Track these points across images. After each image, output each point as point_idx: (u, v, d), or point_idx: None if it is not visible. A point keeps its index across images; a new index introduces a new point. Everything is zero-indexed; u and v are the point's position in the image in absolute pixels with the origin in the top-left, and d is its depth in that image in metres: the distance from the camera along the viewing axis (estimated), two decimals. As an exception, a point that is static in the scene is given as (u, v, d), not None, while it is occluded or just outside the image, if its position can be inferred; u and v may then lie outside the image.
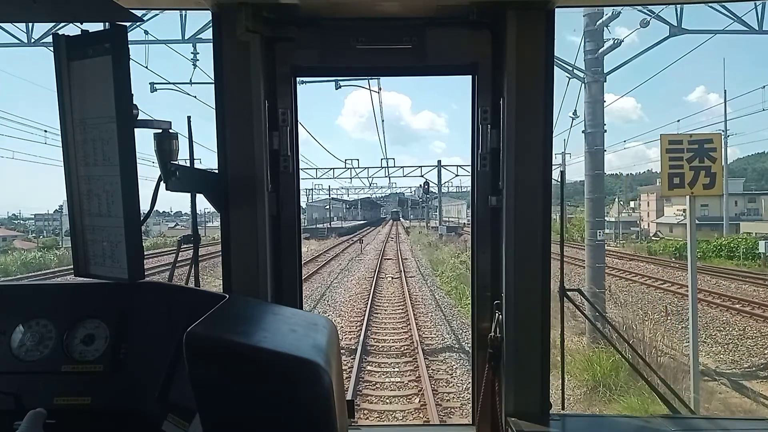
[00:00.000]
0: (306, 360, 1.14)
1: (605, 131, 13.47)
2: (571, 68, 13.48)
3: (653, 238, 50.37)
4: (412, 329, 13.07)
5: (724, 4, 14.25)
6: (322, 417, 1.13)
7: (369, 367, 10.49)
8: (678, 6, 12.39)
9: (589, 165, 13.48)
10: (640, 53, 13.61)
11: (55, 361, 1.55)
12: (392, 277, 23.05)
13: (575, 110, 16.17)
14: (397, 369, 10.41)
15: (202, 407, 1.14)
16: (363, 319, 14.28)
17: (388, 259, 31.44)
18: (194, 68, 16.01)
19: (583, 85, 13.43)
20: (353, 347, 11.60)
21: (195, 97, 17.68)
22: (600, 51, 12.94)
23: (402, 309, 16.00)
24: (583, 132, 13.56)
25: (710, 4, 10.59)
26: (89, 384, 1.52)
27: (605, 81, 13.28)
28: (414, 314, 14.89)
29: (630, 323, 11.76)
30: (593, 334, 12.14)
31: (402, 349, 11.83)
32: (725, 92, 49.52)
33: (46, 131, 27.32)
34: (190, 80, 17.09)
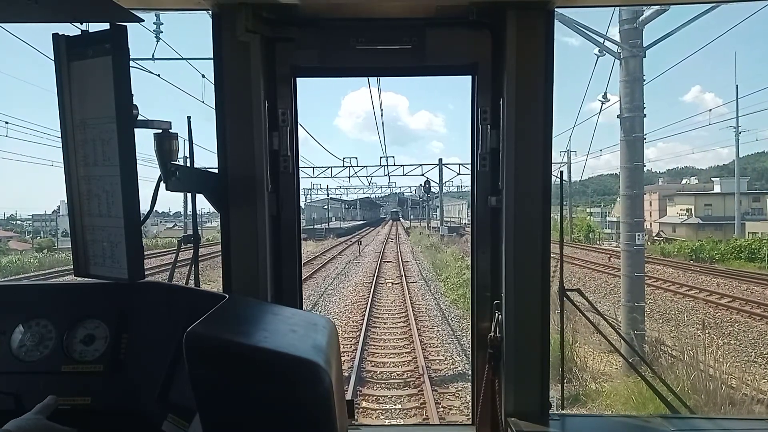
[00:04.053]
0: (306, 360, 1.15)
1: (645, 116, 11.34)
2: (602, 40, 11.41)
3: (656, 238, 48.81)
4: (417, 350, 11.09)
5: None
6: (322, 417, 1.14)
7: (364, 404, 8.49)
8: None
9: (625, 156, 11.21)
10: (691, 20, 11.45)
11: (55, 361, 1.57)
12: (392, 283, 21.24)
13: (605, 93, 14.18)
14: (399, 406, 8.39)
15: (202, 407, 1.15)
16: (359, 335, 12.42)
17: (387, 261, 30.07)
18: (157, 41, 13.82)
19: (618, 61, 11.33)
20: (345, 374, 9.57)
21: (158, 75, 15.45)
22: (640, 19, 10.84)
23: (404, 322, 14.01)
24: (618, 117, 11.41)
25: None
26: (89, 384, 1.54)
27: (644, 56, 11.20)
28: (417, 328, 12.97)
29: (684, 346, 9.59)
30: (632, 356, 10.03)
31: (405, 376, 9.83)
32: (737, 87, 47.43)
33: (7, 123, 25.53)
34: (153, 56, 14.27)
